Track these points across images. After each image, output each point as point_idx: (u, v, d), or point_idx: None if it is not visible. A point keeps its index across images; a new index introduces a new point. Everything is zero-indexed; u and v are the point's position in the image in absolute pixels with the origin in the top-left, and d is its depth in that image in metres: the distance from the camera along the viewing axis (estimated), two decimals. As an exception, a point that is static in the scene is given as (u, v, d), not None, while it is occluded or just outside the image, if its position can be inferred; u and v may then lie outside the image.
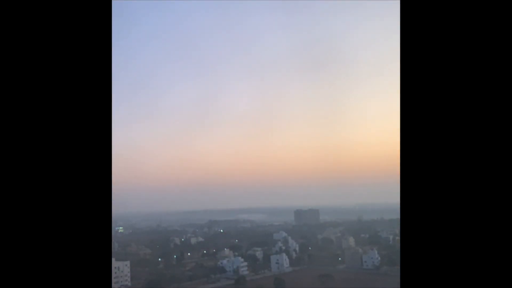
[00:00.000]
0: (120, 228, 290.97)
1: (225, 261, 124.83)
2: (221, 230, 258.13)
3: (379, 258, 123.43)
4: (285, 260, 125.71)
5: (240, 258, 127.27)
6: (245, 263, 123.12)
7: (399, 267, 9.68)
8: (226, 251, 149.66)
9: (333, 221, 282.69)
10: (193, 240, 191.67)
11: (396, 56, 8.98)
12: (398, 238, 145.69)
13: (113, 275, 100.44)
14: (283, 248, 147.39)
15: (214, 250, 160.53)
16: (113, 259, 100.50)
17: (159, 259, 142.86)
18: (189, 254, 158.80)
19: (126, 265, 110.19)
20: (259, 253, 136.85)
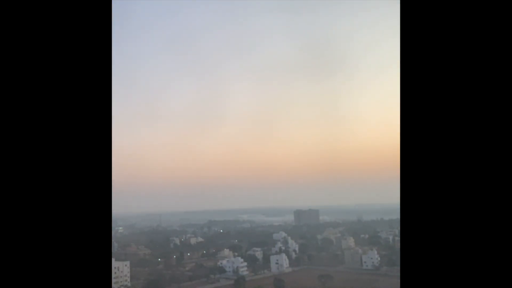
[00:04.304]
0: (120, 228, 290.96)
1: (224, 261, 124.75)
2: (221, 230, 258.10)
3: (379, 259, 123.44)
4: (284, 260, 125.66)
5: (239, 258, 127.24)
6: (245, 263, 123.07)
7: (399, 268, 9.68)
8: (226, 251, 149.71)
9: (333, 221, 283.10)
10: (192, 240, 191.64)
11: (397, 57, 8.98)
12: (398, 238, 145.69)
13: (113, 275, 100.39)
14: (283, 248, 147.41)
15: (214, 250, 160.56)
16: (112, 259, 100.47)
17: (159, 259, 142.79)
18: (188, 254, 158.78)
19: (125, 265, 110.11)
20: (258, 253, 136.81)
